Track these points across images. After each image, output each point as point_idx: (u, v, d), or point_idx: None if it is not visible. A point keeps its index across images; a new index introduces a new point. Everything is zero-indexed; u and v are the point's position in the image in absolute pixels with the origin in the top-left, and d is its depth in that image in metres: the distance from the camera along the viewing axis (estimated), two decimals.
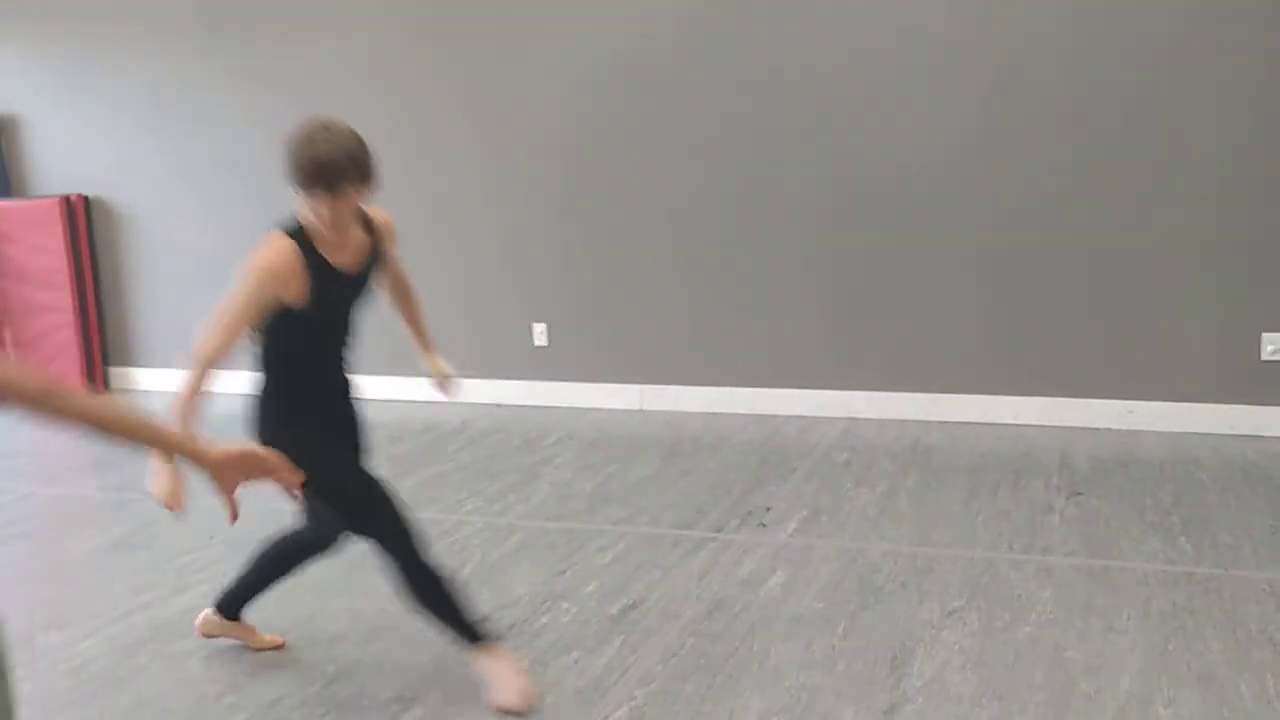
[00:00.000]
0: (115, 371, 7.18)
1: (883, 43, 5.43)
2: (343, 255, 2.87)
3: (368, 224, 2.95)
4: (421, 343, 3.38)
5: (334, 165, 2.64)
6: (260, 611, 3.65)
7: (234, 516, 2.04)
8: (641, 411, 6.03)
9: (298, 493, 2.22)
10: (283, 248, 2.75)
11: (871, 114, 5.50)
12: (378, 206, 3.01)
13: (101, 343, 7.16)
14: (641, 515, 4.44)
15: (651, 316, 6.03)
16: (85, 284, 7.03)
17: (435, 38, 6.21)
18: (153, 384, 7.06)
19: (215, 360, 2.73)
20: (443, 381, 3.42)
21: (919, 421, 5.60)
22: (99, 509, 4.92)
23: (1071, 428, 5.36)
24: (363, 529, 2.98)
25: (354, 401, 3.14)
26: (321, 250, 2.81)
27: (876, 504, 4.47)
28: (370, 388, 6.45)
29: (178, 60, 6.70)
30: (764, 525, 4.27)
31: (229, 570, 3.98)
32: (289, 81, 6.48)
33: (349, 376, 3.12)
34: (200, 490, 5.18)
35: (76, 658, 3.38)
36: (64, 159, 7.05)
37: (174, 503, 2.67)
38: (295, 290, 2.77)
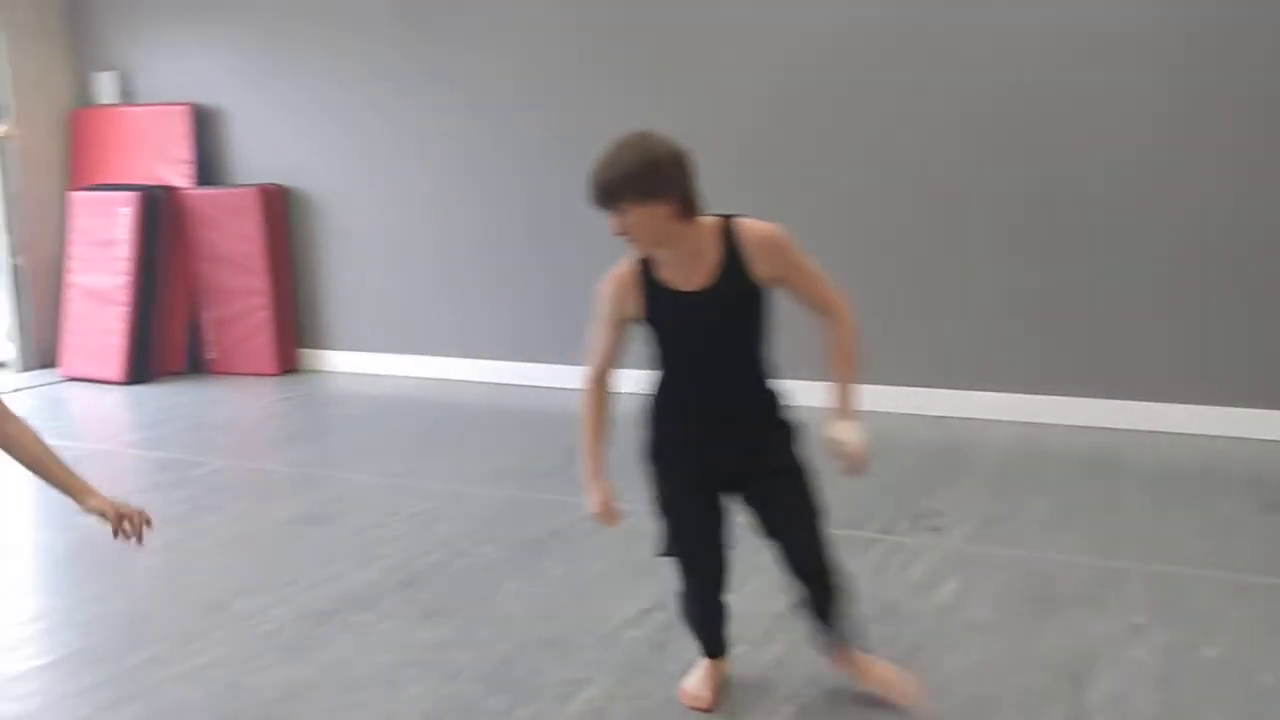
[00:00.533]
0: (306, 353, 7.54)
1: (1071, 46, 5.25)
2: (681, 274, 2.66)
3: (730, 240, 2.65)
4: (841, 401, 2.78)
5: (606, 185, 2.55)
6: (432, 591, 3.80)
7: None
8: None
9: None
10: (619, 268, 2.73)
11: (1061, 116, 5.32)
12: (757, 220, 2.69)
13: (295, 326, 7.53)
14: None
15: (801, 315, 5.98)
16: (280, 269, 7.41)
17: (625, 39, 6.29)
18: (341, 366, 7.39)
19: (598, 377, 2.90)
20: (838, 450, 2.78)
21: (1104, 429, 5.39)
22: (289, 483, 5.17)
23: (1267, 440, 5.07)
24: (667, 553, 2.99)
25: (727, 426, 2.77)
26: (656, 269, 2.69)
27: (1055, 512, 4.33)
28: (539, 376, 6.66)
29: (372, 57, 6.98)
30: (936, 529, 4.19)
31: (410, 546, 4.17)
32: (475, 80, 6.68)
33: (725, 402, 2.77)
34: (406, 471, 5.37)
35: (269, 623, 3.57)
36: (263, 150, 7.44)
37: (609, 517, 2.90)
38: (632, 308, 2.74)
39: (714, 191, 6.57)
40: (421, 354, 7.10)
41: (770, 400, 2.82)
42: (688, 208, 2.58)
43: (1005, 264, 5.54)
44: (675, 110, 6.18)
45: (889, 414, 5.79)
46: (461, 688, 3.11)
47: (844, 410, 2.74)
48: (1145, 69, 5.16)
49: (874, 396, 5.80)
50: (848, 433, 2.70)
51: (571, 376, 6.46)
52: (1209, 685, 2.95)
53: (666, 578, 3.79)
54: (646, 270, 2.70)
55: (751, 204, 6.07)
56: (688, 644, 3.30)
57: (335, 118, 7.16)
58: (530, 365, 6.74)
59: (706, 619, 3.02)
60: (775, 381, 2.81)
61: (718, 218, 2.66)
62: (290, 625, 3.54)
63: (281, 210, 7.36)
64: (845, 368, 2.76)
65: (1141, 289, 5.29)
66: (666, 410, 2.84)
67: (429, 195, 6.97)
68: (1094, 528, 4.14)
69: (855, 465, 2.73)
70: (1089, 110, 5.27)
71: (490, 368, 6.88)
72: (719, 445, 2.77)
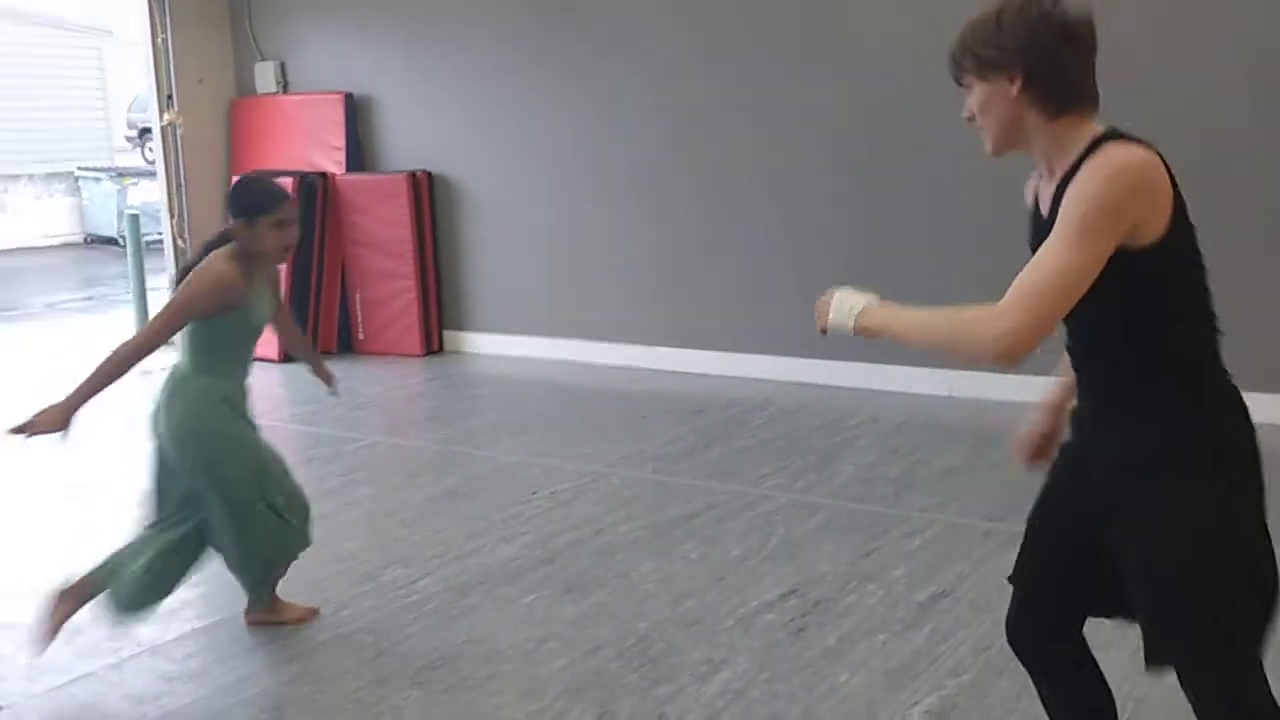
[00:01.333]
0: (450, 335, 7.73)
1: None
2: (1043, 190, 1.90)
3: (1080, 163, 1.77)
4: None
5: (951, 47, 1.88)
6: (572, 568, 3.87)
7: None
8: (949, 398, 5.87)
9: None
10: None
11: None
12: (1129, 149, 1.75)
13: (439, 308, 7.73)
14: (951, 504, 4.34)
15: (962, 300, 5.84)
16: (426, 253, 7.60)
17: (768, 24, 6.27)
18: (483, 348, 7.56)
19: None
20: None
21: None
22: (435, 460, 5.32)
23: None
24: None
25: (1093, 428, 1.96)
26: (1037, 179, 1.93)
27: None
28: (667, 359, 6.72)
29: (516, 45, 7.10)
30: None
31: (550, 524, 4.26)
32: (604, 74, 6.74)
33: (1090, 392, 1.96)
34: (547, 451, 5.46)
35: (416, 593, 3.69)
36: (411, 137, 7.65)
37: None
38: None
39: (840, 159, 6.39)
40: (561, 337, 7.20)
41: (1156, 413, 1.83)
42: (1047, 91, 1.78)
43: None
44: (800, 94, 6.13)
45: (1032, 405, 5.63)
46: (601, 663, 3.16)
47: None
48: None
49: (1018, 387, 5.70)
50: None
51: (703, 361, 6.54)
52: None
53: (804, 563, 3.79)
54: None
55: (875, 178, 6.01)
56: (827, 629, 3.30)
57: (482, 104, 7.30)
58: (665, 350, 6.78)
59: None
60: (1190, 388, 1.84)
61: (1105, 130, 1.79)
62: (436, 596, 3.66)
63: (428, 196, 7.55)
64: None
65: None
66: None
67: (581, 183, 7.06)
68: None
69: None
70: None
71: (627, 352, 6.94)
72: (1082, 451, 1.98)
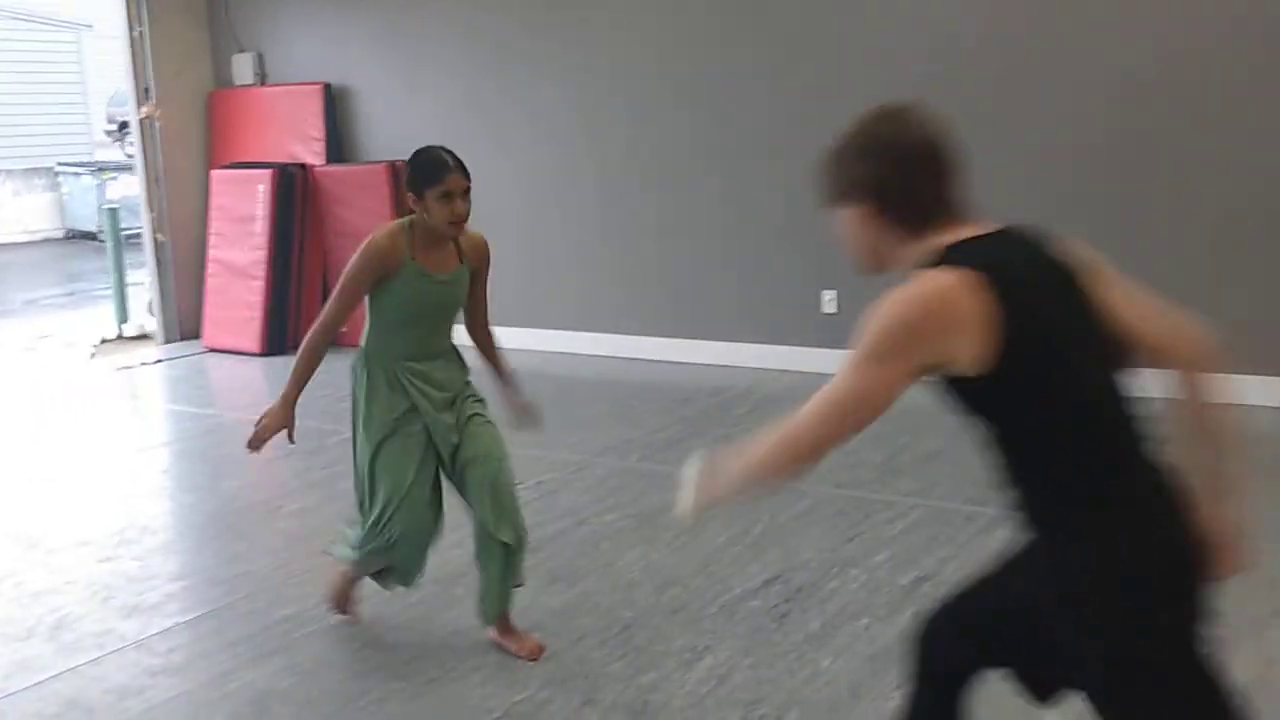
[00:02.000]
0: None
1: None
2: None
3: None
4: None
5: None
6: (557, 558, 3.87)
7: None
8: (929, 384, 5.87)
9: None
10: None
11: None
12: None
13: None
14: (934, 488, 4.35)
15: None
16: None
17: (753, 13, 6.25)
18: (468, 339, 7.52)
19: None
20: None
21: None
22: None
23: None
24: None
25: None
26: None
27: None
28: (660, 349, 6.72)
29: (496, 36, 7.07)
30: None
31: (535, 514, 4.25)
32: (599, 59, 6.72)
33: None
34: (531, 441, 5.45)
35: (399, 589, 3.67)
36: (390, 127, 7.61)
37: None
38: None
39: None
40: (544, 328, 7.19)
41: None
42: (901, 216, 1.77)
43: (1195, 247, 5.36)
44: (802, 71, 6.12)
45: None
46: (584, 652, 3.16)
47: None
48: None
49: None
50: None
51: (686, 350, 6.54)
52: None
53: (788, 550, 3.80)
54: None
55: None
56: (810, 614, 3.31)
57: (462, 97, 7.27)
58: (649, 339, 6.77)
59: None
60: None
61: (947, 247, 1.74)
62: (421, 588, 3.63)
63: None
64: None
65: None
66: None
67: (553, 173, 7.04)
68: None
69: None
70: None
71: (610, 342, 6.94)
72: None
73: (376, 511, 3.10)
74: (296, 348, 3.18)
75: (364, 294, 3.07)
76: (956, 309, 1.65)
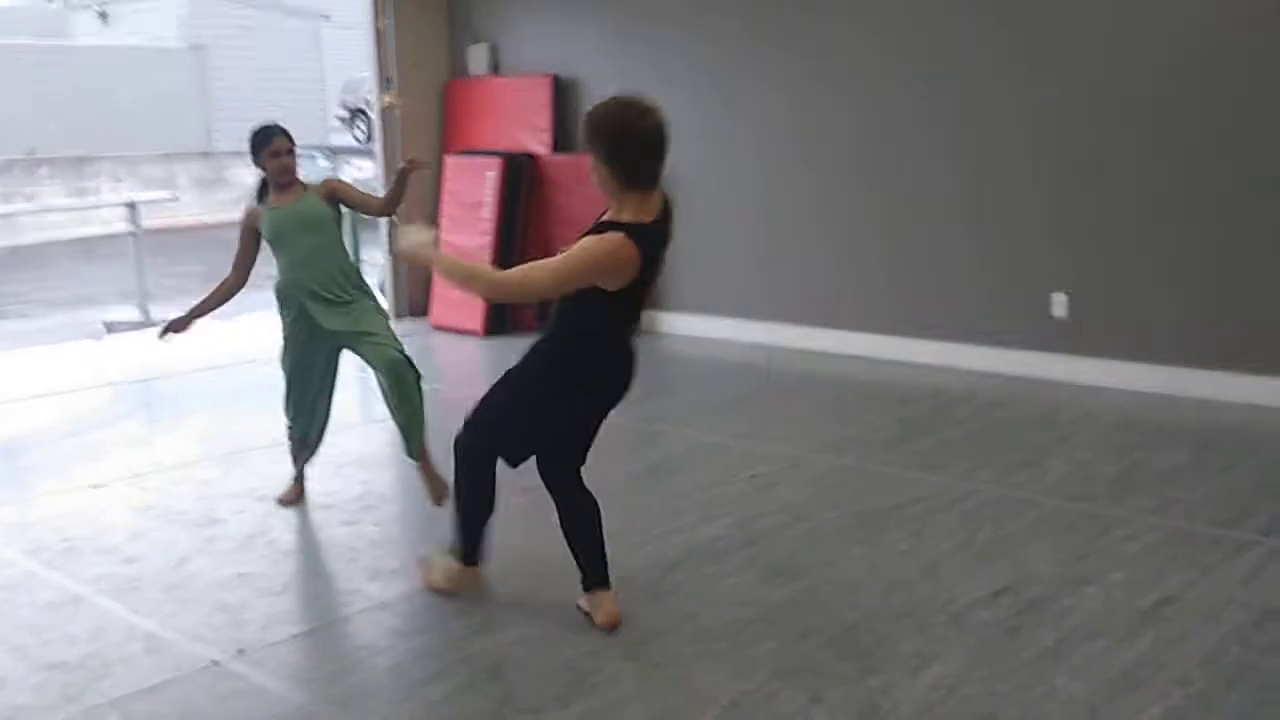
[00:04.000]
0: (648, 314, 7.82)
1: None
2: None
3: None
4: None
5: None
6: (776, 552, 3.88)
7: None
8: (1168, 396, 5.59)
9: None
10: None
11: None
12: None
13: None
14: (1173, 507, 4.15)
15: (1180, 293, 5.56)
16: None
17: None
18: (680, 328, 7.63)
19: None
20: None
21: None
22: (636, 437, 5.40)
23: None
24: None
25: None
26: None
27: None
28: (883, 347, 6.60)
29: (717, 33, 7.11)
30: None
31: (751, 506, 4.28)
32: (816, 54, 6.67)
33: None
34: (745, 433, 5.46)
35: (621, 569, 3.75)
36: None
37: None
38: None
39: (1066, 149, 6.13)
40: (759, 320, 7.20)
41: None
42: (617, 172, 3.10)
43: None
44: (1012, 70, 5.91)
45: (1262, 407, 5.31)
46: (811, 649, 3.17)
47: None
48: None
49: (1244, 388, 5.39)
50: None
51: (907, 349, 6.41)
52: None
53: (1017, 561, 3.70)
54: None
55: (1095, 169, 5.75)
56: (1043, 630, 3.22)
57: (680, 90, 7.33)
58: (871, 336, 6.68)
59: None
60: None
61: (626, 218, 3.15)
62: (642, 572, 3.73)
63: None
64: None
65: None
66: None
67: (764, 167, 7.04)
68: None
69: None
70: None
71: (831, 337, 6.89)
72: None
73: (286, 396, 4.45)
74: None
75: (247, 246, 4.37)
76: (619, 259, 3.06)
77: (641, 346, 3.37)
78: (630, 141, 3.03)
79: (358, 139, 18.67)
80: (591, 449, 3.45)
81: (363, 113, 17.30)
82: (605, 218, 3.11)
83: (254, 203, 4.38)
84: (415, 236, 3.20)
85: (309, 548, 4.22)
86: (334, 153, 16.93)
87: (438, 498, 4.18)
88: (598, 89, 7.85)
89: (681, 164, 7.40)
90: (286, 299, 4.32)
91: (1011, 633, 3.22)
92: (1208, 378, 5.51)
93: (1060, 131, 5.87)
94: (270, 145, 4.25)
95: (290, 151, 4.28)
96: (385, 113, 8.44)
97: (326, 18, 21.69)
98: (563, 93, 8.00)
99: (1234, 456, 4.70)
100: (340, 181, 4.57)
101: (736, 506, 4.32)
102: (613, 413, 3.40)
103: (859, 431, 5.26)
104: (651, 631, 3.32)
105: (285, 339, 4.38)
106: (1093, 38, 5.72)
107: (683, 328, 7.62)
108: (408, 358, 4.24)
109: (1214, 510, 4.09)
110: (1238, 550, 3.74)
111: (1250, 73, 5.27)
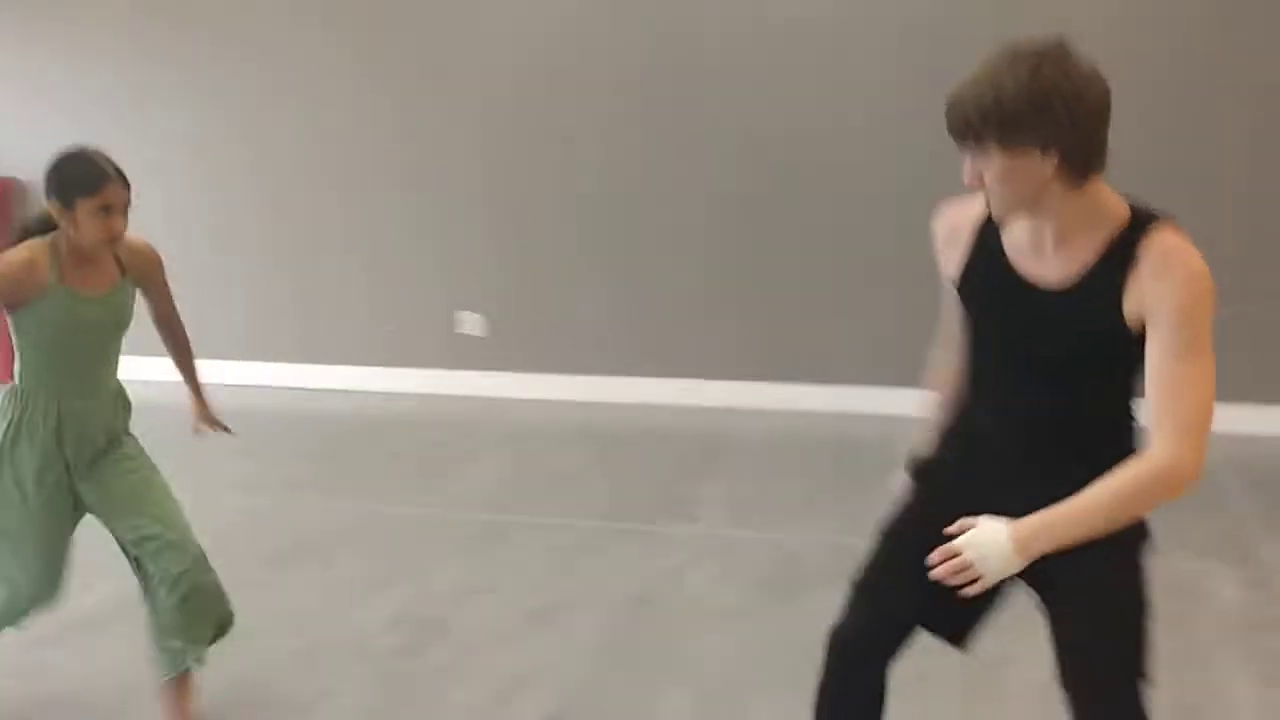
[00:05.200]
0: None
1: (791, 33, 5.46)
2: (1033, 255, 1.91)
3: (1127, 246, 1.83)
4: None
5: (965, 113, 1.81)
6: None
7: None
8: (572, 403, 5.98)
9: None
10: (960, 202, 2.01)
11: (790, 98, 5.52)
12: (1185, 243, 1.78)
13: None
14: (571, 508, 4.41)
15: (584, 306, 5.99)
16: None
17: (361, 32, 6.11)
18: None
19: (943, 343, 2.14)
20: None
21: (857, 415, 5.61)
22: None
23: None
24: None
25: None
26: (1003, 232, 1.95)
27: (806, 495, 4.48)
28: (291, 375, 6.39)
29: (114, 50, 6.52)
30: (694, 518, 4.27)
31: None
32: (210, 68, 6.36)
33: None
34: None
35: None
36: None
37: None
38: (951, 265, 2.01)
39: (462, 170, 6.35)
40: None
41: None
42: (1078, 164, 1.74)
43: (749, 256, 5.70)
44: (421, 86, 6.05)
45: (652, 406, 5.85)
46: (205, 710, 2.93)
47: None
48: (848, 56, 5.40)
49: (640, 390, 5.93)
50: None
51: (311, 375, 6.25)
52: (940, 654, 3.09)
53: (421, 581, 3.71)
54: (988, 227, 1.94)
55: (500, 188, 6.05)
56: (440, 647, 3.24)
57: (70, 109, 6.65)
58: (271, 365, 6.47)
59: None
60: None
61: (1133, 207, 1.81)
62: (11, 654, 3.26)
63: (8, 207, 6.78)
64: None
65: (867, 280, 5.54)
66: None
67: (163, 187, 6.59)
68: (841, 508, 4.29)
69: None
70: (829, 99, 5.48)
71: (235, 368, 6.57)
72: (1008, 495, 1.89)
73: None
74: None
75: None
76: None
77: None
78: None
79: None
80: None
81: None
82: None
83: (39, 267, 2.64)
84: None
85: None
86: None
87: None
88: None
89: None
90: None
91: (411, 654, 3.21)
92: (604, 383, 5.97)
93: (471, 161, 6.06)
94: (99, 194, 2.61)
95: (126, 208, 2.69)
96: None
97: None
98: None
99: (625, 454, 5.12)
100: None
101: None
102: None
103: (262, 467, 5.01)
104: None
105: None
106: (422, 64, 5.98)
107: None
108: None
109: (605, 507, 4.41)
110: (623, 542, 4.04)
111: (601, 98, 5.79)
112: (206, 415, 3.08)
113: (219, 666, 3.15)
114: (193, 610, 2.74)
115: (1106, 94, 1.73)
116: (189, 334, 3.10)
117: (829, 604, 3.25)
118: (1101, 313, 1.77)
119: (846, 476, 4.70)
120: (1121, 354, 1.80)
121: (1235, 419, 4.39)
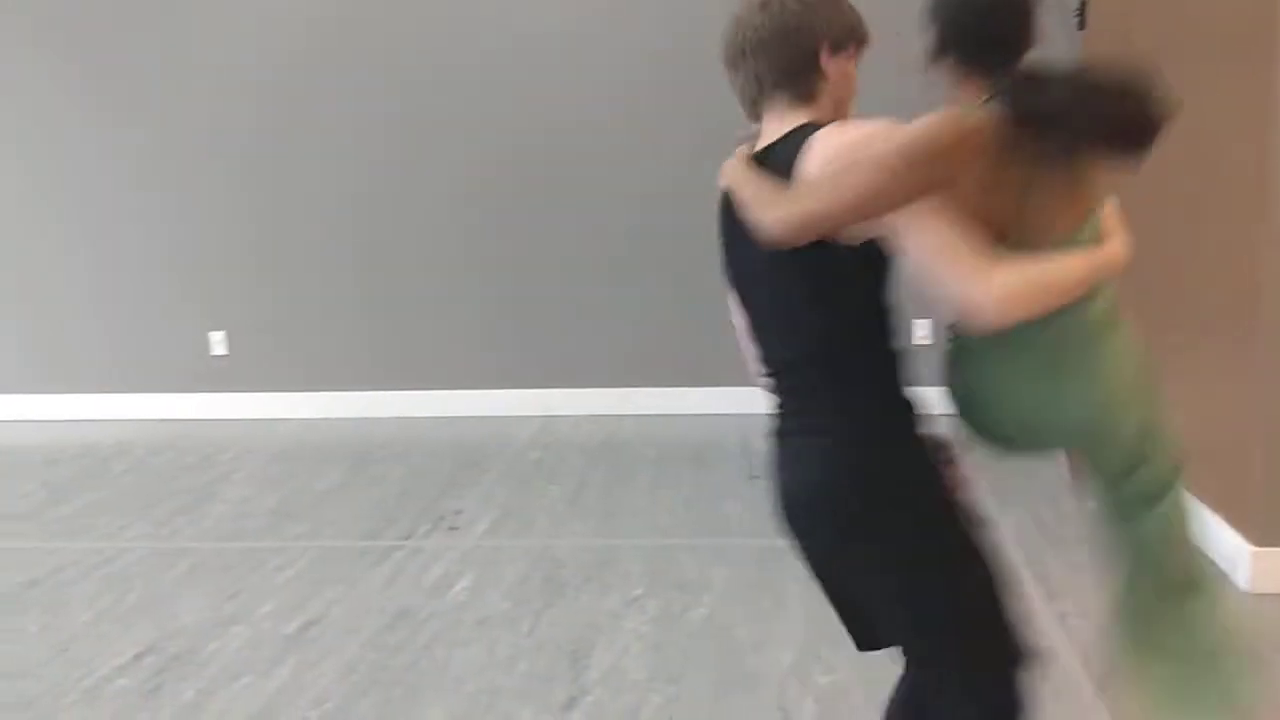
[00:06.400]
0: None
1: (534, 45, 5.50)
2: None
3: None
4: None
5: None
6: None
7: None
8: (328, 420, 5.83)
9: None
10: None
11: (531, 109, 5.55)
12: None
13: None
14: (326, 528, 4.28)
15: (335, 321, 5.85)
16: None
17: (88, 38, 5.75)
18: None
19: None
20: None
21: (612, 416, 5.70)
22: None
23: (755, 414, 5.62)
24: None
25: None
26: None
27: (566, 500, 4.51)
28: (18, 407, 5.97)
29: None
30: (454, 529, 4.22)
31: None
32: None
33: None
34: None
35: None
36: None
37: None
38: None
39: (204, 187, 6.11)
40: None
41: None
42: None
43: (503, 265, 5.70)
44: (159, 96, 5.76)
45: (410, 419, 5.76)
46: None
47: None
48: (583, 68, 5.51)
49: (396, 404, 5.82)
50: None
51: (49, 406, 5.87)
52: (694, 645, 3.19)
53: (164, 617, 3.51)
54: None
55: (245, 203, 5.82)
56: (185, 684, 3.08)
57: None
58: (36, 398, 6.02)
59: None
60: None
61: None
62: None
63: None
64: None
65: (631, 283, 5.65)
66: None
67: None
68: (600, 510, 4.35)
69: None
70: (557, 106, 5.54)
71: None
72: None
73: None
74: None
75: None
76: None
77: None
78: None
79: None
80: None
81: None
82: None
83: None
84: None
85: None
86: None
87: None
88: None
89: None
90: None
91: (151, 694, 3.03)
92: (360, 398, 5.84)
93: (212, 177, 5.79)
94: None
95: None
96: None
97: None
98: None
99: (383, 469, 5.01)
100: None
101: None
102: None
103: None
104: None
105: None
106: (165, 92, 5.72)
107: None
108: None
109: (363, 524, 4.30)
110: (381, 558, 3.95)
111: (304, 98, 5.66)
112: None
113: None
114: None
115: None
116: None
117: (588, 605, 3.30)
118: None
119: (606, 477, 4.76)
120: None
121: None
